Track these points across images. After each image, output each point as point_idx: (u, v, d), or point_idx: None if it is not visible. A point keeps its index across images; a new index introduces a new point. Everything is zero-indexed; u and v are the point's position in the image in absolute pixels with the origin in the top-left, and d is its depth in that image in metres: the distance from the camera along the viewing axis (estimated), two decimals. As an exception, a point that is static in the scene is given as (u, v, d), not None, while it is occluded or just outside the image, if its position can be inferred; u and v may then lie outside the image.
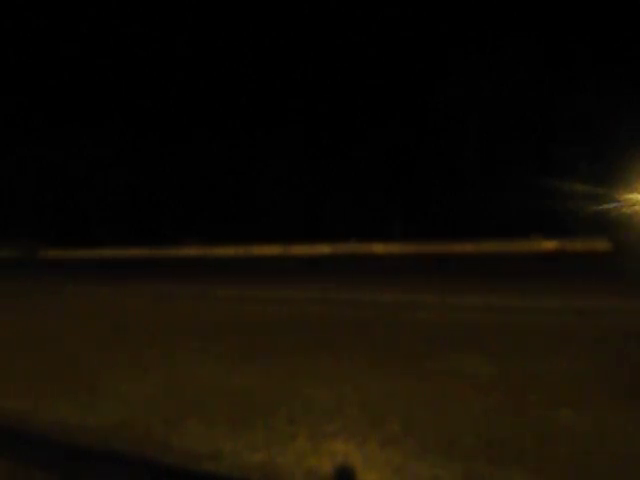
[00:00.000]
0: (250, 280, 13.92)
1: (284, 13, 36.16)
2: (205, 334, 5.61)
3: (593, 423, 2.74)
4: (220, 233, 29.56)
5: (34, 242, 32.15)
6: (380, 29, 32.63)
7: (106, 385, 3.74)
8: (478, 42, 25.74)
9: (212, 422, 2.94)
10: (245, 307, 7.89)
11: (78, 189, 34.43)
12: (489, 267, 16.48)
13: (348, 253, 25.15)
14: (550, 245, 21.37)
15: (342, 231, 27.04)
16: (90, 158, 33.72)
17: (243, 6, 37.22)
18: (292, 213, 30.09)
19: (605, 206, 20.92)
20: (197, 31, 38.94)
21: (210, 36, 37.45)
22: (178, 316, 7.13)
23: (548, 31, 23.97)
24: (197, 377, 3.87)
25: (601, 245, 19.93)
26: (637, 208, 20.53)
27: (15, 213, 34.74)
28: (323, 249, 26.85)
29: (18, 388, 3.76)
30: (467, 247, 24.18)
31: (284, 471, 2.33)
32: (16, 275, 19.12)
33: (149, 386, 3.68)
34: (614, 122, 21.41)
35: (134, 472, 2.43)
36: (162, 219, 33.05)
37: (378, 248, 25.78)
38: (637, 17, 22.38)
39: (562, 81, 23.25)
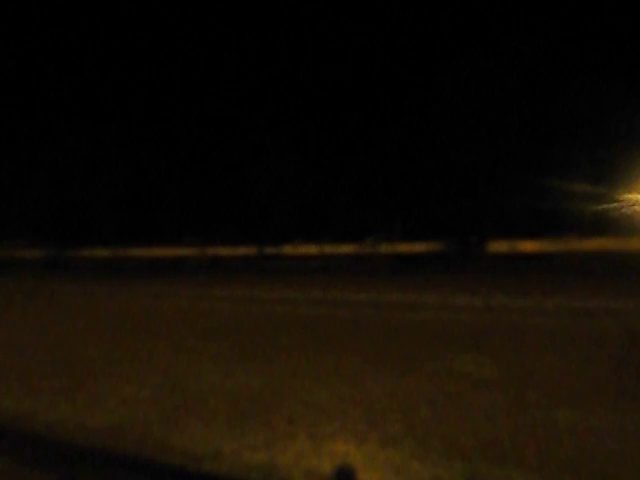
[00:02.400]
0: (250, 280, 13.91)
1: (284, 11, 36.16)
2: (205, 334, 5.61)
3: (593, 423, 2.74)
4: (220, 233, 29.55)
5: (35, 241, 32.11)
6: (379, 29, 32.62)
7: (106, 385, 3.74)
8: (477, 42, 25.74)
9: (212, 422, 2.94)
10: (245, 307, 7.89)
11: (77, 189, 34.41)
12: (489, 267, 16.47)
13: (348, 253, 25.14)
14: (549, 245, 21.36)
15: (342, 231, 27.03)
16: (89, 158, 33.71)
17: (243, 6, 37.19)
18: (292, 213, 30.09)
19: (605, 206, 20.92)
20: (197, 30, 38.95)
21: (211, 35, 37.46)
22: (178, 316, 7.13)
23: (548, 30, 23.97)
24: (197, 377, 3.87)
25: (601, 245, 19.92)
26: (637, 208, 20.53)
27: (13, 213, 34.71)
28: (323, 249, 26.85)
29: (18, 388, 3.76)
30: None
31: (284, 471, 2.33)
32: (15, 275, 19.10)
33: (149, 386, 3.68)
34: (614, 122, 21.40)
35: (134, 472, 2.43)
36: (162, 219, 33.02)
37: (377, 248, 25.73)
38: (637, 16, 22.38)
39: (562, 81, 23.24)
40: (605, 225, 20.74)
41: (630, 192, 20.79)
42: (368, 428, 2.77)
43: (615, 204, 20.97)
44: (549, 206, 21.80)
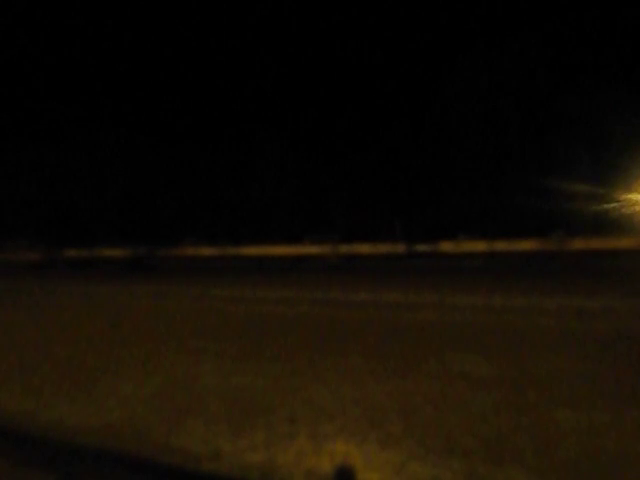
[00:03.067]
0: (250, 280, 13.90)
1: (282, 14, 36.19)
2: (205, 334, 5.61)
3: (593, 423, 2.74)
4: (220, 233, 29.52)
5: (31, 243, 32.05)
6: (379, 30, 32.65)
7: (106, 385, 3.74)
8: (477, 43, 25.76)
9: (212, 422, 2.94)
10: (245, 307, 7.89)
11: (76, 189, 34.43)
12: (489, 267, 16.47)
13: (348, 253, 25.11)
14: (550, 245, 21.34)
15: (342, 231, 27.01)
16: (88, 158, 33.75)
17: (241, 9, 37.24)
18: (291, 213, 30.09)
19: (605, 206, 20.92)
20: (195, 32, 38.97)
21: (208, 37, 37.49)
22: (178, 316, 7.12)
23: (548, 31, 23.99)
24: (197, 377, 3.87)
25: (600, 245, 19.90)
26: (637, 208, 20.52)
27: (13, 213, 34.70)
28: (323, 249, 26.83)
29: (18, 388, 3.76)
30: (467, 247, 24.13)
31: (284, 471, 2.33)
32: (14, 275, 19.11)
33: (149, 386, 3.68)
34: (614, 122, 21.42)
35: (134, 472, 2.43)
36: (162, 219, 33.02)
37: (379, 248, 25.71)
38: (638, 17, 22.39)
39: (562, 81, 23.25)
40: (605, 225, 20.73)
41: (630, 192, 20.79)
42: (368, 428, 2.77)
43: (615, 204, 20.97)
44: (549, 206, 21.80)
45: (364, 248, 24.01)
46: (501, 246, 21.58)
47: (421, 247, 23.41)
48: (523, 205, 22.43)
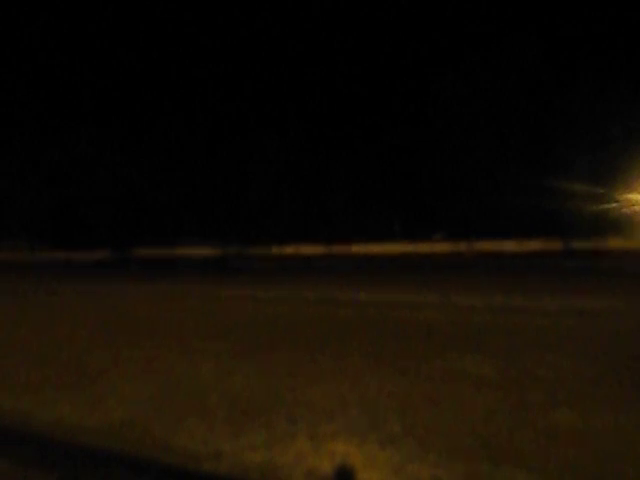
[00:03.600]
0: (250, 280, 13.90)
1: (281, 13, 36.18)
2: (205, 334, 5.61)
3: (593, 423, 2.75)
4: (219, 233, 29.48)
5: (32, 242, 32.01)
6: (378, 29, 32.65)
7: (106, 385, 3.74)
8: (478, 42, 25.78)
9: (212, 422, 2.94)
10: (245, 307, 7.89)
11: (77, 189, 34.40)
12: (489, 267, 16.47)
13: (348, 253, 25.11)
14: (550, 245, 21.34)
15: (342, 231, 26.98)
16: (88, 158, 33.73)
17: (238, 6, 37.21)
18: (291, 213, 30.05)
19: (605, 206, 20.94)
20: (193, 33, 38.96)
21: (206, 38, 37.49)
22: (178, 316, 7.12)
23: (548, 30, 24.00)
24: (197, 377, 3.87)
25: (601, 245, 19.91)
26: (637, 208, 20.54)
27: (13, 213, 34.67)
28: (322, 249, 26.82)
29: (17, 388, 3.76)
30: (467, 247, 24.10)
31: (284, 471, 2.33)
32: (15, 275, 19.10)
33: (149, 386, 3.68)
34: (614, 122, 21.43)
35: (134, 472, 2.43)
36: (162, 219, 32.97)
37: (378, 248, 25.72)
38: (638, 16, 22.40)
39: (562, 81, 23.27)
40: (605, 225, 20.73)
41: (630, 192, 20.81)
42: (368, 428, 2.77)
43: (615, 204, 20.99)
44: (549, 206, 21.81)
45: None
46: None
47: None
48: (523, 205, 22.41)
